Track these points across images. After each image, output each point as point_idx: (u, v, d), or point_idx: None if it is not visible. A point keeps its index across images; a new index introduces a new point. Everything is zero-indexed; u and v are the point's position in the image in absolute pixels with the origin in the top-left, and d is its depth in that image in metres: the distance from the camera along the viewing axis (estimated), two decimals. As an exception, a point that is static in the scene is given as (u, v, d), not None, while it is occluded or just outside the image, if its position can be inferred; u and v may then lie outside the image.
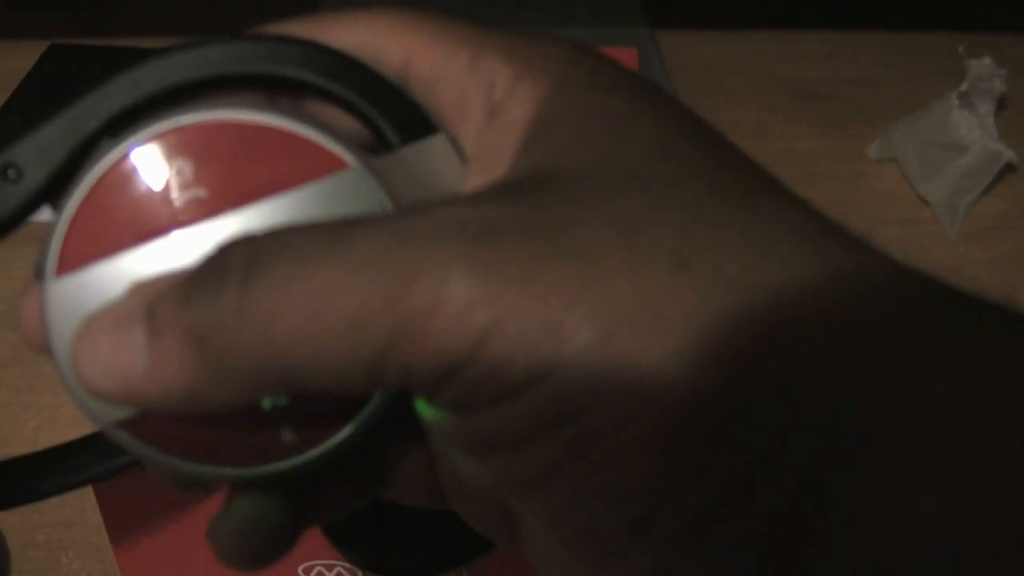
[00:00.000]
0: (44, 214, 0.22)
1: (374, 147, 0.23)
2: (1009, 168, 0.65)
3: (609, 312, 0.18)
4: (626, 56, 0.57)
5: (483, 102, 0.23)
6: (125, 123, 0.23)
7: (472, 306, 0.18)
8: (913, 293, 0.20)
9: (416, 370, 0.19)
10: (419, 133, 0.23)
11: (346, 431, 0.23)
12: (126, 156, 0.22)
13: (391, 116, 0.23)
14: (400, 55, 0.24)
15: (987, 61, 0.65)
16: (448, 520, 0.26)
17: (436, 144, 0.23)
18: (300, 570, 0.44)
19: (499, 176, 0.22)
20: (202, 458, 0.23)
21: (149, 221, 0.22)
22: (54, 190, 0.23)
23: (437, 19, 0.24)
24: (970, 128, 0.63)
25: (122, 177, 0.22)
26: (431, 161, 0.23)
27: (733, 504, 0.19)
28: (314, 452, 0.23)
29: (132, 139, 0.22)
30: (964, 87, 0.64)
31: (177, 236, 0.22)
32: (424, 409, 0.22)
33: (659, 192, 0.20)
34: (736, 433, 0.19)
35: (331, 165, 0.22)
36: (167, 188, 0.22)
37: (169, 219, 0.22)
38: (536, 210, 0.19)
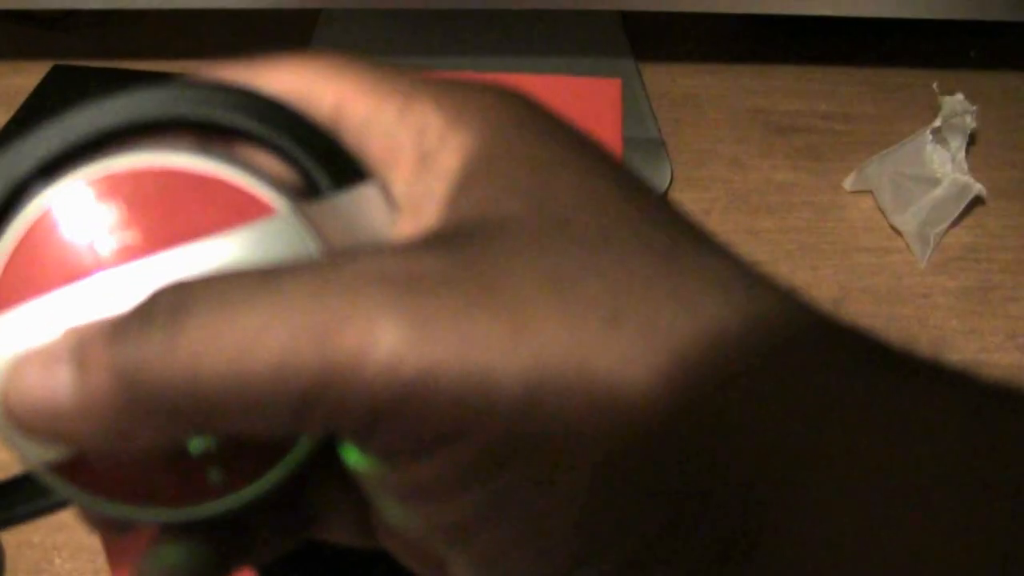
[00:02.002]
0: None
1: (306, 193, 0.23)
2: (978, 201, 0.67)
3: (539, 365, 0.18)
4: (610, 87, 0.59)
5: (414, 150, 0.23)
6: (57, 168, 0.23)
7: (401, 355, 0.18)
8: (835, 343, 0.20)
9: (342, 418, 0.19)
10: (350, 180, 0.23)
11: (273, 474, 0.23)
12: (57, 200, 0.22)
13: (322, 163, 0.23)
14: (332, 101, 0.24)
15: (959, 97, 0.67)
16: (385, 560, 0.26)
17: (367, 191, 0.23)
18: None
19: (429, 224, 0.22)
20: (129, 500, 0.23)
21: (79, 264, 0.22)
22: None
23: (369, 65, 0.24)
24: (942, 162, 0.65)
25: (53, 221, 0.22)
26: (362, 208, 0.23)
27: (655, 558, 0.19)
28: (241, 495, 0.23)
29: (63, 183, 0.22)
30: (937, 123, 0.66)
31: (107, 279, 0.22)
32: (351, 456, 0.22)
33: (588, 245, 0.20)
34: (659, 489, 0.19)
35: (260, 211, 0.22)
36: (98, 232, 0.22)
37: (99, 263, 0.22)
38: (465, 261, 0.19)
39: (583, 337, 0.19)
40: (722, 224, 0.66)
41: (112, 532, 0.25)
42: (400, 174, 0.23)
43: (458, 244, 0.20)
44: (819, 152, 0.71)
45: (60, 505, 0.24)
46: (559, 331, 0.19)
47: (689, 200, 0.67)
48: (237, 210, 0.22)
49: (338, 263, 0.20)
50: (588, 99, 0.58)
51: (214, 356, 0.19)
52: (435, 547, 0.22)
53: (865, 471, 0.19)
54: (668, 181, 0.64)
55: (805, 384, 0.19)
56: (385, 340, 0.18)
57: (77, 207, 0.22)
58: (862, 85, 0.75)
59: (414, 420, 0.19)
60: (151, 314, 0.19)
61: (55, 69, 0.74)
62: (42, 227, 0.22)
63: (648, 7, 0.66)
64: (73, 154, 0.23)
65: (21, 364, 0.21)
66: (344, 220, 0.23)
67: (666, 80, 0.73)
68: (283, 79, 0.24)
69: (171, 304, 0.19)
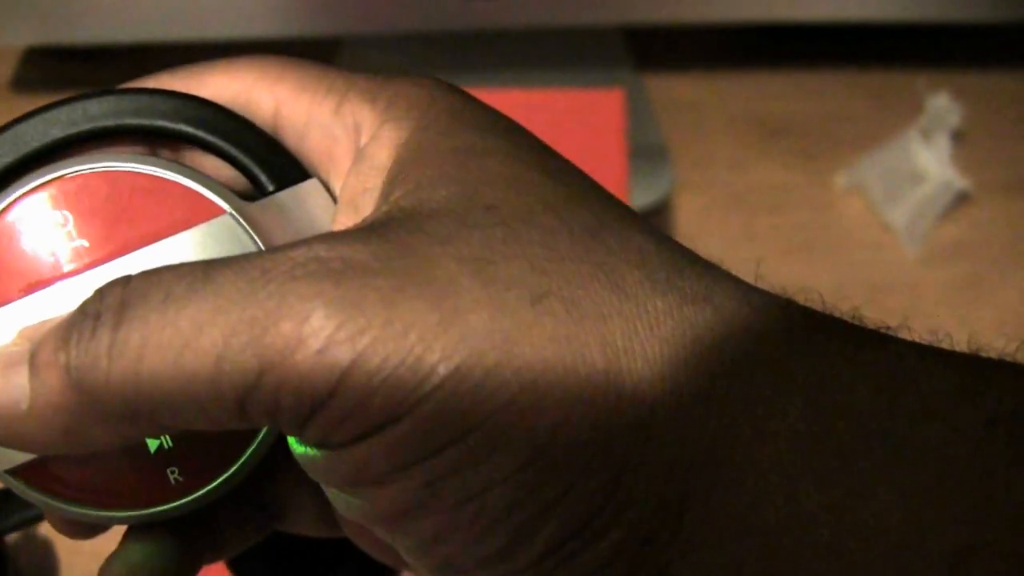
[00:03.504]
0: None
1: (251, 194, 0.24)
2: (965, 197, 0.69)
3: (465, 347, 0.19)
4: (613, 97, 0.61)
5: (349, 146, 0.23)
6: (7, 179, 0.23)
7: (332, 342, 0.18)
8: (763, 314, 0.20)
9: (281, 407, 0.19)
10: (292, 179, 0.24)
11: (233, 470, 0.23)
12: (8, 208, 0.23)
13: (264, 164, 0.24)
14: (271, 104, 0.24)
15: (944, 96, 0.69)
16: (352, 548, 0.26)
17: (308, 189, 0.24)
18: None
19: (366, 217, 0.22)
20: (93, 503, 0.23)
21: (33, 271, 0.22)
22: None
23: (305, 66, 0.24)
24: (928, 159, 0.67)
25: (5, 230, 0.22)
26: (304, 205, 0.24)
27: (585, 537, 0.20)
28: (202, 493, 0.23)
29: (14, 192, 0.23)
30: (923, 121, 0.68)
31: (61, 285, 0.22)
32: (295, 445, 0.22)
33: (512, 226, 0.20)
34: (585, 468, 0.19)
35: (208, 212, 0.23)
36: (50, 239, 0.22)
37: (53, 269, 0.22)
38: (394, 248, 0.20)
39: (508, 318, 0.19)
40: (721, 224, 0.68)
41: (80, 535, 0.25)
42: (339, 170, 0.24)
43: (387, 233, 0.20)
44: (813, 152, 0.73)
45: (35, 519, 0.25)
46: (484, 313, 0.19)
47: (690, 201, 0.69)
48: (184, 212, 0.23)
49: (271, 256, 0.20)
50: (593, 111, 0.60)
51: (154, 354, 0.19)
52: (379, 533, 0.22)
53: (788, 438, 0.19)
54: (670, 184, 0.67)
55: (735, 355, 0.19)
56: (317, 328, 0.18)
57: (29, 216, 0.23)
58: (852, 86, 0.77)
59: (348, 407, 0.19)
60: (98, 312, 0.19)
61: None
62: None
63: (648, 20, 0.68)
64: (22, 164, 0.23)
65: None
66: (288, 218, 0.23)
67: (667, 88, 0.76)
68: (223, 84, 0.24)
69: (116, 302, 0.19)
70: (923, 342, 0.21)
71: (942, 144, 0.68)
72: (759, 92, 0.77)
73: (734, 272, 0.22)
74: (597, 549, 0.20)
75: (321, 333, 0.18)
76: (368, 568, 0.33)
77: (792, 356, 0.20)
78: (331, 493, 0.22)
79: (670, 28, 0.76)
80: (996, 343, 0.22)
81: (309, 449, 0.21)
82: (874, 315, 0.22)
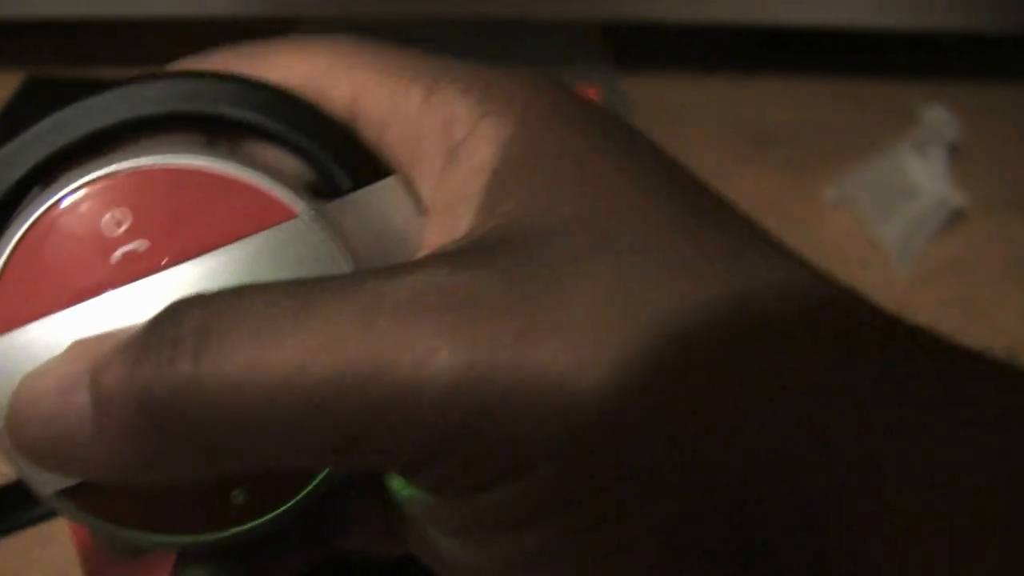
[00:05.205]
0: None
1: (321, 192, 0.22)
2: (960, 215, 0.66)
3: (609, 390, 0.17)
4: (586, 94, 0.59)
5: (440, 143, 0.21)
6: (53, 170, 0.21)
7: (460, 387, 0.17)
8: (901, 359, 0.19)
9: (396, 452, 0.18)
10: (370, 176, 0.22)
11: (303, 495, 0.22)
12: (56, 206, 0.21)
13: (340, 158, 0.22)
14: (347, 91, 0.22)
15: (939, 108, 0.67)
16: (405, 569, 0.25)
17: (389, 188, 0.22)
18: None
19: (463, 227, 0.20)
20: (150, 527, 0.21)
21: (84, 277, 0.21)
22: None
23: (384, 49, 0.22)
24: (922, 174, 0.65)
25: (53, 230, 0.21)
26: (384, 207, 0.22)
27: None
28: (270, 516, 0.22)
29: (62, 188, 0.21)
30: (917, 134, 0.66)
31: (116, 293, 0.20)
32: (399, 488, 0.21)
33: (649, 255, 0.19)
34: (744, 507, 0.18)
35: (278, 214, 0.21)
36: (103, 241, 0.21)
37: (106, 275, 0.21)
38: (522, 276, 0.18)
39: (654, 365, 0.17)
40: (702, 236, 0.65)
41: (126, 556, 0.24)
42: (426, 170, 0.22)
43: (511, 256, 0.19)
44: (800, 163, 0.71)
45: (53, 514, 0.23)
46: (629, 354, 0.17)
47: (669, 212, 0.66)
48: (252, 214, 0.21)
49: (383, 283, 0.18)
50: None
51: (252, 388, 0.17)
52: None
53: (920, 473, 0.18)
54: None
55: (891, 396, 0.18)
56: (442, 370, 0.17)
57: (77, 215, 0.21)
58: (844, 96, 0.75)
59: (474, 455, 0.17)
60: (176, 337, 0.18)
61: (28, 80, 0.72)
62: (41, 237, 0.21)
63: (628, 18, 0.67)
64: (70, 155, 0.21)
65: (31, 388, 0.19)
66: (366, 221, 0.22)
67: (651, 92, 0.74)
68: (292, 68, 0.22)
69: (199, 326, 0.18)
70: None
71: (937, 159, 0.66)
72: (747, 99, 0.75)
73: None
74: None
75: (449, 373, 0.17)
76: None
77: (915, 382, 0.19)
78: (438, 538, 0.21)
79: (655, 29, 0.75)
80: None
81: (419, 493, 0.19)
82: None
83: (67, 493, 0.21)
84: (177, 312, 0.18)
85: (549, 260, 0.18)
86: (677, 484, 0.17)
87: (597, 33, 0.74)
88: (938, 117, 0.67)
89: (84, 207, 0.21)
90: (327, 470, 0.21)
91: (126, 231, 0.21)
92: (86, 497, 0.21)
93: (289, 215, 0.21)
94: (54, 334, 0.20)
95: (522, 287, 0.18)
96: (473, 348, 0.17)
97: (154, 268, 0.21)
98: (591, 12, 0.67)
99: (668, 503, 0.17)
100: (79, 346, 0.20)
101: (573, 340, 0.17)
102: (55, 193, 0.21)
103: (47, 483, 0.20)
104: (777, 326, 0.18)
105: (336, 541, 0.25)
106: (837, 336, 0.19)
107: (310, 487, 0.22)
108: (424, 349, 0.17)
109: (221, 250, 0.21)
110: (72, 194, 0.21)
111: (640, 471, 0.17)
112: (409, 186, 0.22)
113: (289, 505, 0.22)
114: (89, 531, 0.22)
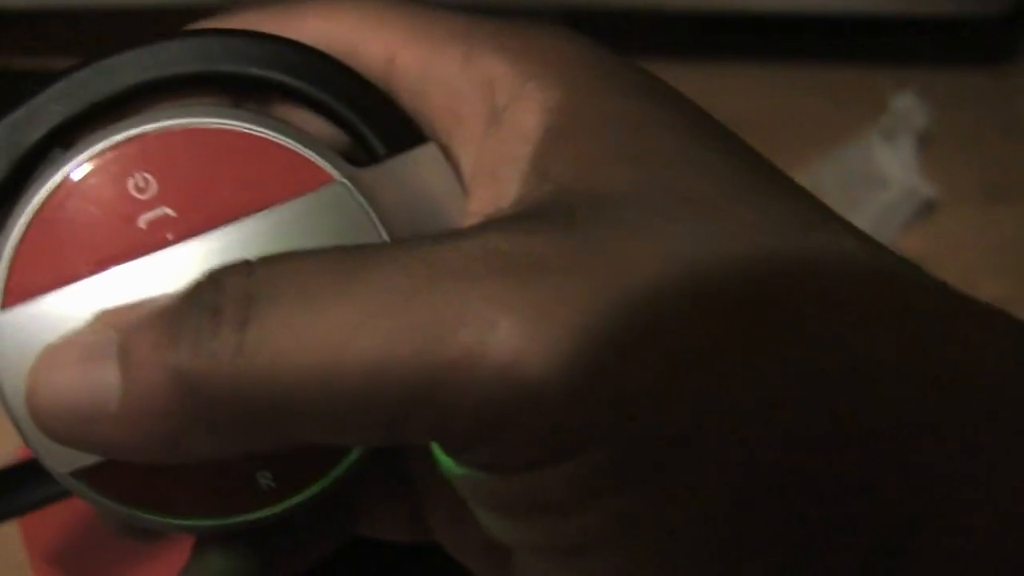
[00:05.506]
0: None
1: (356, 159, 0.21)
2: (931, 206, 0.65)
3: (676, 365, 0.17)
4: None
5: (481, 106, 0.21)
6: (74, 132, 0.21)
7: (523, 357, 0.16)
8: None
9: (448, 427, 0.17)
10: (407, 142, 0.21)
11: (330, 476, 0.21)
12: (78, 170, 0.20)
13: (375, 123, 0.21)
14: (381, 52, 0.22)
15: (909, 95, 0.66)
16: (421, 559, 0.25)
17: (427, 155, 0.21)
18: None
19: (510, 193, 0.20)
20: (170, 510, 0.21)
21: (109, 245, 0.20)
22: None
23: (421, 9, 0.22)
24: (891, 163, 0.64)
25: (76, 194, 0.20)
26: (422, 174, 0.21)
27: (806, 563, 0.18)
28: (295, 500, 0.21)
29: (86, 150, 0.20)
30: (886, 121, 0.65)
31: (144, 261, 0.20)
32: (449, 466, 0.20)
33: (716, 222, 0.18)
34: (815, 487, 0.17)
35: (313, 179, 0.20)
36: (129, 206, 0.20)
37: (132, 242, 0.20)
38: (583, 242, 0.17)
39: (722, 331, 0.17)
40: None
41: (140, 539, 0.24)
42: (467, 135, 0.21)
43: (572, 222, 0.18)
44: (765, 152, 0.69)
45: (64, 494, 0.23)
46: (699, 326, 0.17)
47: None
48: (286, 179, 0.20)
49: (438, 247, 0.18)
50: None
51: (298, 360, 0.17)
52: (539, 562, 0.20)
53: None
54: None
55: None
56: (505, 339, 0.16)
57: (101, 178, 0.20)
58: (808, 82, 0.73)
59: (534, 428, 0.17)
60: (218, 305, 0.17)
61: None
62: (63, 201, 0.20)
63: (591, 7, 0.65)
64: (92, 116, 0.21)
65: (53, 360, 0.19)
66: (404, 188, 0.21)
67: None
68: (321, 28, 0.22)
69: (242, 294, 0.17)
70: None
71: (907, 147, 0.65)
72: (707, 86, 0.72)
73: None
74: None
75: (508, 344, 0.16)
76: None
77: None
78: (486, 517, 0.20)
79: (620, 16, 0.73)
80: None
81: (469, 470, 0.19)
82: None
83: (83, 474, 0.20)
84: (218, 279, 0.18)
85: (611, 226, 0.18)
86: (737, 459, 0.17)
87: (560, 22, 0.73)
88: (907, 104, 0.66)
89: (107, 171, 0.20)
90: (357, 454, 0.21)
91: (152, 196, 0.20)
92: (103, 477, 0.20)
93: (324, 180, 0.20)
94: (77, 303, 0.19)
95: (586, 252, 0.17)
96: (534, 318, 0.17)
97: (183, 235, 0.20)
98: (556, 1, 0.65)
99: (730, 480, 0.17)
100: (106, 315, 0.19)
101: (638, 310, 0.17)
102: (76, 156, 0.20)
103: (64, 461, 0.20)
104: (849, 294, 0.18)
105: (360, 528, 0.24)
106: (900, 310, 0.18)
107: (339, 470, 0.21)
108: (481, 320, 0.16)
109: (254, 216, 0.20)
110: (95, 158, 0.20)
111: (699, 449, 0.17)
112: (447, 152, 0.21)
113: (316, 485, 0.21)
114: (100, 513, 0.22)
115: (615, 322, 0.17)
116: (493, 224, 0.18)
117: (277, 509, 0.21)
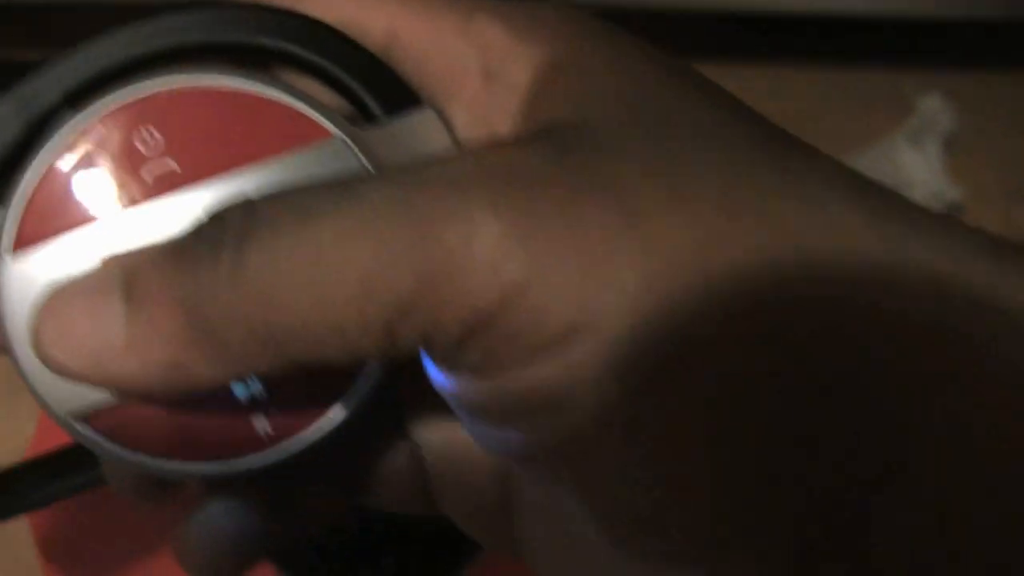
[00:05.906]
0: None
1: (357, 122, 0.22)
2: (956, 209, 0.65)
3: (657, 258, 0.17)
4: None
5: (477, 68, 0.21)
6: (84, 97, 0.21)
7: (507, 253, 0.17)
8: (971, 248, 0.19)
9: (440, 328, 0.17)
10: (404, 107, 0.22)
11: (327, 419, 0.21)
12: (89, 125, 0.21)
13: (374, 88, 0.22)
14: (382, 24, 0.22)
15: (935, 98, 0.66)
16: (413, 530, 0.25)
17: (425, 119, 0.22)
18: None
19: (503, 132, 0.21)
20: (171, 454, 0.21)
21: (116, 195, 0.21)
22: (7, 167, 0.21)
23: None
24: (917, 166, 0.64)
25: (85, 148, 0.21)
26: (419, 137, 0.22)
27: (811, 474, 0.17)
28: (293, 443, 0.21)
29: (94, 108, 0.21)
30: (912, 124, 0.65)
31: (148, 209, 0.21)
32: (438, 373, 0.20)
33: (693, 138, 0.19)
34: (799, 391, 0.17)
35: (312, 134, 0.21)
36: (135, 159, 0.21)
37: (138, 192, 0.21)
38: (565, 155, 0.18)
39: (700, 227, 0.17)
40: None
41: (145, 497, 0.23)
42: (463, 97, 0.22)
43: (554, 140, 0.18)
44: None
45: (93, 483, 0.23)
46: (675, 221, 0.17)
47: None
48: (286, 134, 0.21)
49: (426, 166, 0.18)
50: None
51: (293, 278, 0.17)
52: (537, 479, 0.20)
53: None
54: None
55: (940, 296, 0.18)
56: (489, 237, 0.17)
57: (111, 133, 0.21)
58: (834, 85, 0.73)
59: (521, 323, 0.17)
60: (217, 237, 0.18)
61: (-13, 67, 0.71)
62: (73, 155, 0.21)
63: (612, 6, 0.64)
64: (102, 82, 0.21)
65: (59, 298, 0.19)
66: (401, 148, 0.22)
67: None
68: (326, 3, 0.22)
69: (239, 224, 0.18)
70: None
71: (932, 150, 0.65)
72: (734, 88, 0.72)
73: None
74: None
75: (493, 244, 0.17)
76: (434, 551, 0.33)
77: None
78: (479, 428, 0.21)
79: (642, 16, 0.72)
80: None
81: (461, 376, 0.19)
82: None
83: (86, 420, 0.20)
84: (219, 215, 0.18)
85: (591, 142, 0.18)
86: (726, 362, 0.17)
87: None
88: (933, 107, 0.66)
89: (115, 126, 0.21)
90: (358, 402, 0.21)
91: (158, 150, 0.21)
92: (105, 424, 0.21)
93: (323, 136, 0.21)
94: (83, 248, 0.20)
95: (567, 161, 0.18)
96: (516, 216, 0.17)
97: (186, 186, 0.21)
98: (575, 1, 0.65)
99: (719, 378, 0.17)
100: (112, 259, 0.19)
101: (615, 208, 0.17)
102: (86, 113, 0.21)
103: (67, 401, 0.20)
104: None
105: (358, 495, 0.24)
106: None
107: (337, 408, 0.21)
108: (465, 218, 0.17)
109: (254, 167, 0.21)
110: (103, 114, 0.21)
111: (683, 340, 0.17)
112: (443, 117, 0.22)
113: (313, 428, 0.21)
114: (110, 468, 0.22)
115: (598, 219, 0.17)
116: (481, 146, 0.19)
117: (277, 452, 0.21)
